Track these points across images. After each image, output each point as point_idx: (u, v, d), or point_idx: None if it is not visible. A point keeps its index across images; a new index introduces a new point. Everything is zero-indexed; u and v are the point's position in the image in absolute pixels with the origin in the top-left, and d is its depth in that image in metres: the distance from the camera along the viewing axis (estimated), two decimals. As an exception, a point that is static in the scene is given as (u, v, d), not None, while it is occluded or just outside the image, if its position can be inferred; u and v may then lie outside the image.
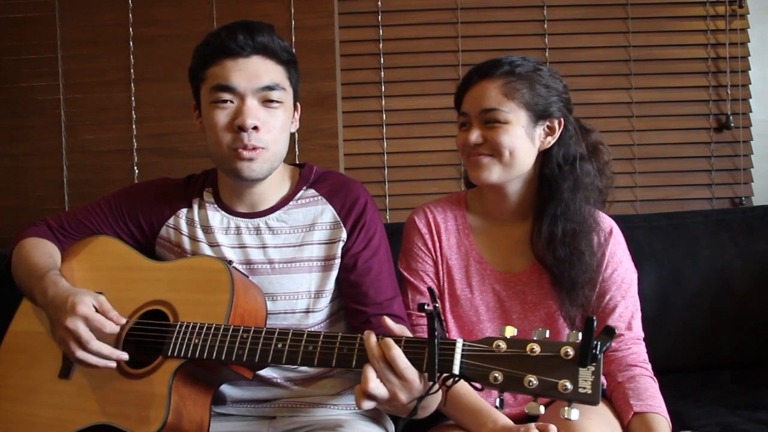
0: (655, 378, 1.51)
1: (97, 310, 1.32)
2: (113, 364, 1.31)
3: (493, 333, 1.57)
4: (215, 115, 1.44)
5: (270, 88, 1.44)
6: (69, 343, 1.30)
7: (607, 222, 1.60)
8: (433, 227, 1.62)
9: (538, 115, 1.50)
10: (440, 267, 1.61)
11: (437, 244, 1.61)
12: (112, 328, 1.31)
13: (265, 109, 1.45)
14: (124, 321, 1.34)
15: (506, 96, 1.48)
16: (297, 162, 1.76)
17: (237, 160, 1.44)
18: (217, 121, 1.44)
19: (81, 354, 1.29)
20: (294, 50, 1.52)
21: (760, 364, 2.13)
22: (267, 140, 1.44)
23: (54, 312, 1.34)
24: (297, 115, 1.57)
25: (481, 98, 1.50)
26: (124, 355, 1.31)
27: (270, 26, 1.48)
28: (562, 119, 1.54)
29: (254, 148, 1.43)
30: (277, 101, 1.45)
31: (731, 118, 2.57)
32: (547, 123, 1.52)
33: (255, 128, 1.42)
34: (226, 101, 1.43)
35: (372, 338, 1.15)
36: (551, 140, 1.54)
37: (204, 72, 1.46)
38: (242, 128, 1.41)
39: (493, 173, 1.51)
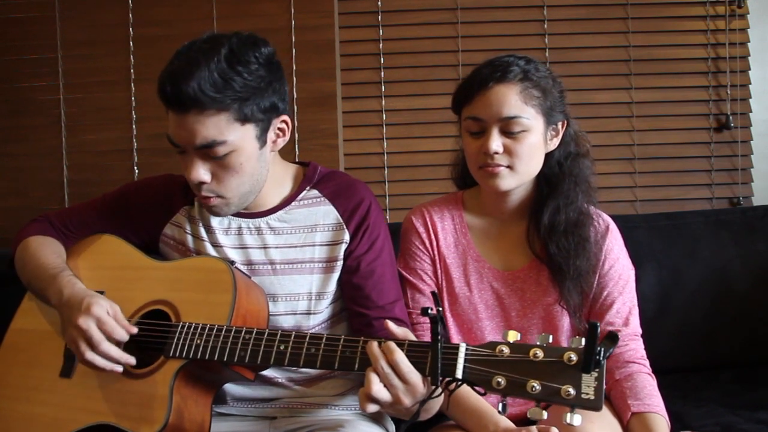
0: (653, 374, 1.51)
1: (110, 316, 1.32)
2: (119, 368, 1.31)
3: (493, 331, 1.58)
4: (180, 158, 1.42)
5: (208, 146, 1.34)
6: (79, 343, 1.30)
7: (604, 219, 1.61)
8: (430, 226, 1.62)
9: (549, 119, 1.50)
10: (438, 266, 1.61)
11: (434, 243, 1.61)
12: (121, 334, 1.31)
13: (212, 161, 1.37)
14: (135, 330, 1.34)
15: (525, 103, 1.45)
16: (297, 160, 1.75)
17: (204, 204, 1.45)
18: (181, 165, 1.42)
19: (89, 355, 1.29)
20: (257, 70, 1.36)
21: (760, 364, 2.13)
22: (219, 191, 1.40)
23: (68, 311, 1.34)
24: (287, 129, 1.48)
25: (500, 104, 1.45)
26: (132, 360, 1.31)
27: (206, 64, 1.30)
28: (565, 121, 1.55)
29: (212, 197, 1.42)
30: (223, 154, 1.35)
31: (731, 118, 2.56)
32: (554, 126, 1.53)
33: (203, 182, 1.39)
34: (179, 153, 1.40)
35: (373, 345, 1.16)
36: (556, 142, 1.55)
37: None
38: (190, 182, 1.40)
39: (510, 182, 1.49)
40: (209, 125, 1.32)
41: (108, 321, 1.30)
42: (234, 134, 1.35)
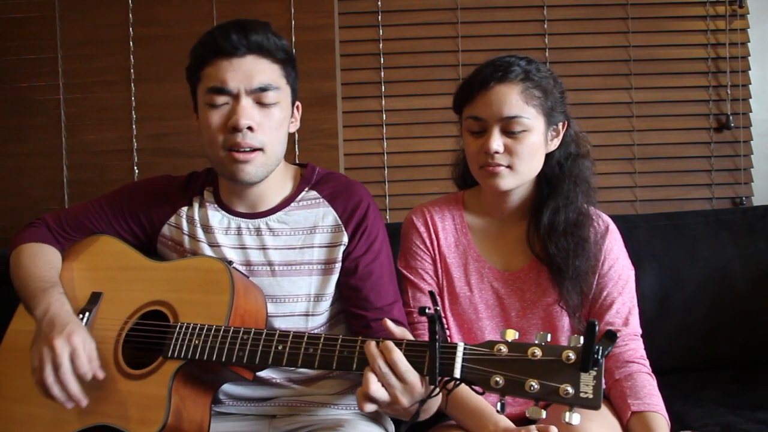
0: (652, 374, 1.51)
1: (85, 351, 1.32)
2: (70, 405, 1.30)
3: (493, 331, 1.58)
4: (210, 116, 1.43)
5: (263, 89, 1.42)
6: (45, 362, 1.29)
7: (604, 219, 1.61)
8: (431, 226, 1.62)
9: (550, 120, 1.51)
10: (438, 265, 1.61)
11: (435, 243, 1.61)
12: (86, 372, 1.29)
13: (260, 109, 1.43)
14: (102, 375, 1.32)
15: (526, 103, 1.46)
16: (297, 162, 1.75)
17: (232, 163, 1.43)
18: (212, 121, 1.43)
19: (50, 378, 1.28)
20: (293, 49, 1.50)
21: (760, 364, 2.13)
22: (263, 140, 1.43)
23: (48, 328, 1.33)
24: (297, 115, 1.56)
25: (501, 104, 1.46)
26: (84, 401, 1.30)
27: (265, 24, 1.46)
28: (566, 121, 1.55)
29: (249, 151, 1.42)
30: (273, 102, 1.44)
31: (731, 118, 2.56)
32: (555, 126, 1.53)
33: (249, 128, 1.41)
34: (220, 104, 1.43)
35: (371, 344, 1.15)
36: (557, 142, 1.55)
37: (200, 72, 1.45)
38: (236, 128, 1.40)
39: (510, 182, 1.50)
40: (267, 70, 1.44)
41: (81, 355, 1.29)
42: (281, 86, 1.47)
